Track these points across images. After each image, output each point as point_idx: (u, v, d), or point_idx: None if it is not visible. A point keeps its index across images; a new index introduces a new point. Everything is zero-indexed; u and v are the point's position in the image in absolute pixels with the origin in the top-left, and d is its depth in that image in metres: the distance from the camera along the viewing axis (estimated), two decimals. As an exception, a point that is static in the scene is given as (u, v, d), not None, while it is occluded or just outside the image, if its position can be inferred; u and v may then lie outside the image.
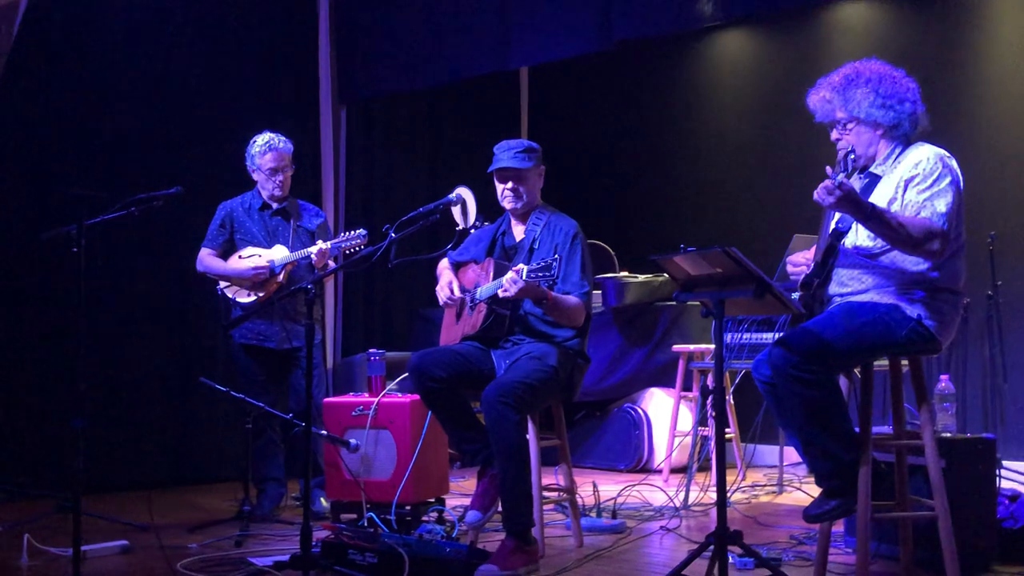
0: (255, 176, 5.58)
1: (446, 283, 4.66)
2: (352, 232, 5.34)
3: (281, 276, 5.40)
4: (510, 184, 4.57)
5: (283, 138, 5.57)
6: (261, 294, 5.40)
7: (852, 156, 3.68)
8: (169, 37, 6.82)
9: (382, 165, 8.04)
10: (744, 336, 5.56)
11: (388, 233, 4.45)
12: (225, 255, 5.53)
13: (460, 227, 4.83)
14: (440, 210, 4.62)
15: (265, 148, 5.51)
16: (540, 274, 4.07)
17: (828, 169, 3.51)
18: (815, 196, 3.48)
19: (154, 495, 5.27)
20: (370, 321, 7.92)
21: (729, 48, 7.92)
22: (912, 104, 3.73)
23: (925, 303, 3.59)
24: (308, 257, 5.34)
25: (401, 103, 8.09)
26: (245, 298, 5.43)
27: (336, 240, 5.35)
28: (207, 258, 5.54)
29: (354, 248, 5.28)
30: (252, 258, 5.43)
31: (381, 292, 7.97)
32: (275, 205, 5.58)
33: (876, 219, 3.48)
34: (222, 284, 5.51)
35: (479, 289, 4.49)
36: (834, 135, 3.81)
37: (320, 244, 5.31)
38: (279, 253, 5.43)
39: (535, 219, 4.57)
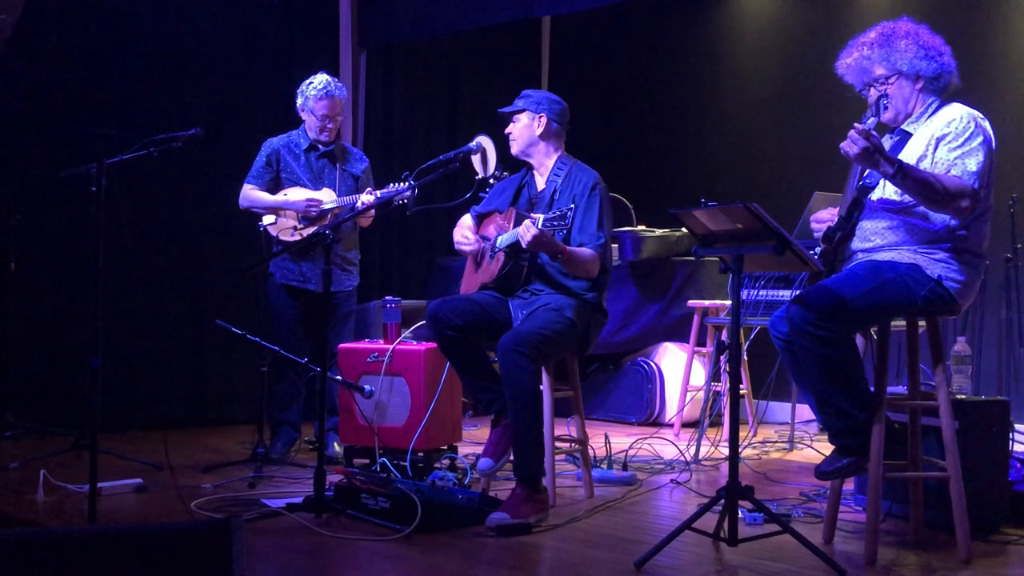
0: (304, 116, 5.55)
1: (460, 236, 4.66)
2: (399, 184, 5.23)
3: (328, 219, 5.39)
4: (507, 129, 4.60)
5: (339, 84, 5.55)
6: (306, 234, 5.38)
7: (885, 101, 3.65)
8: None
9: (401, 112, 8.01)
10: (760, 293, 5.56)
11: (408, 180, 4.45)
12: (269, 193, 5.52)
13: (480, 176, 4.82)
14: (460, 158, 4.61)
15: (322, 93, 5.46)
16: (555, 223, 4.07)
17: (856, 125, 3.46)
18: (842, 147, 3.45)
19: (170, 435, 5.32)
20: (386, 268, 7.92)
21: (753, 3, 7.83)
22: (949, 57, 3.73)
23: (947, 264, 3.58)
24: (353, 203, 5.32)
25: (421, 49, 8.03)
26: (290, 238, 5.42)
27: (385, 191, 5.27)
28: (252, 192, 5.51)
29: (400, 200, 5.17)
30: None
31: (398, 239, 7.97)
32: (322, 147, 5.56)
33: (903, 175, 3.45)
34: (265, 221, 5.49)
35: (499, 237, 4.49)
36: (873, 94, 3.75)
37: (369, 196, 5.26)
38: (327, 196, 5.42)
39: (556, 170, 4.56)
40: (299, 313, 5.56)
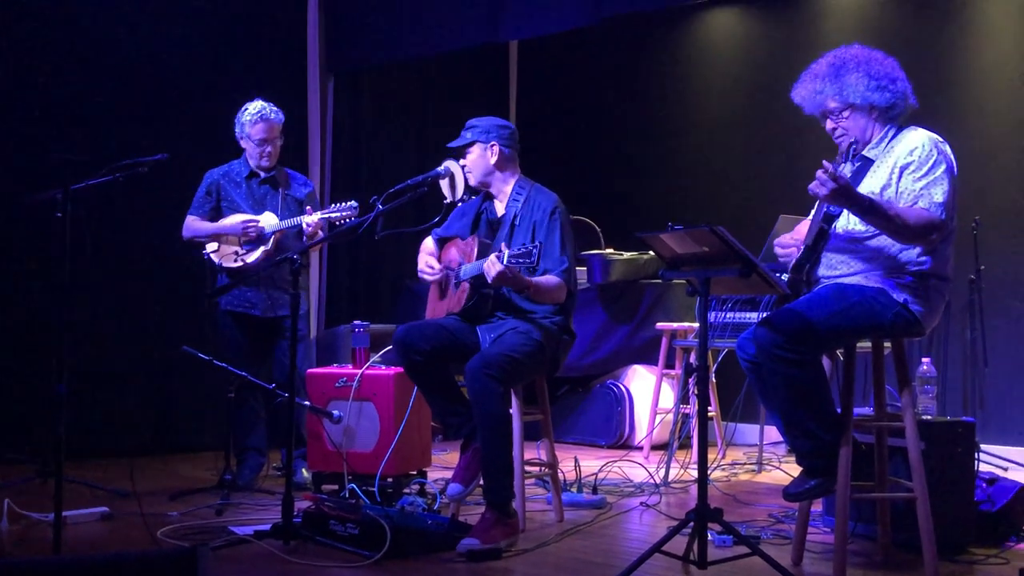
0: (243, 144, 5.53)
1: (424, 264, 4.65)
2: (342, 203, 5.30)
3: (270, 244, 5.38)
4: (461, 162, 4.61)
5: (275, 108, 5.52)
6: (249, 260, 5.37)
7: (854, 146, 3.69)
8: (157, 2, 6.76)
9: (369, 136, 8.01)
10: (727, 315, 5.58)
11: (376, 205, 4.44)
12: (210, 222, 5.50)
13: (448, 200, 4.82)
14: (428, 182, 4.60)
15: (256, 118, 5.45)
16: (520, 260, 4.05)
17: (825, 163, 3.48)
18: (811, 188, 3.47)
19: (135, 463, 5.26)
20: (354, 292, 7.91)
21: (718, 27, 7.91)
22: (903, 82, 3.74)
23: (912, 287, 3.61)
24: (298, 225, 5.32)
25: (390, 74, 8.05)
26: (232, 264, 5.40)
27: (325, 211, 5.31)
28: (193, 223, 5.50)
29: (344, 219, 5.24)
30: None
31: (366, 264, 7.95)
32: (263, 174, 5.54)
33: (873, 212, 3.49)
34: (208, 249, 5.47)
35: (463, 267, 4.48)
36: (829, 125, 3.79)
37: (316, 215, 5.27)
38: (269, 220, 5.41)
39: (516, 194, 4.55)
40: (246, 339, 5.53)
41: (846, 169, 3.69)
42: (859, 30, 6.86)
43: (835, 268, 3.71)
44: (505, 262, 4.07)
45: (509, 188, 4.57)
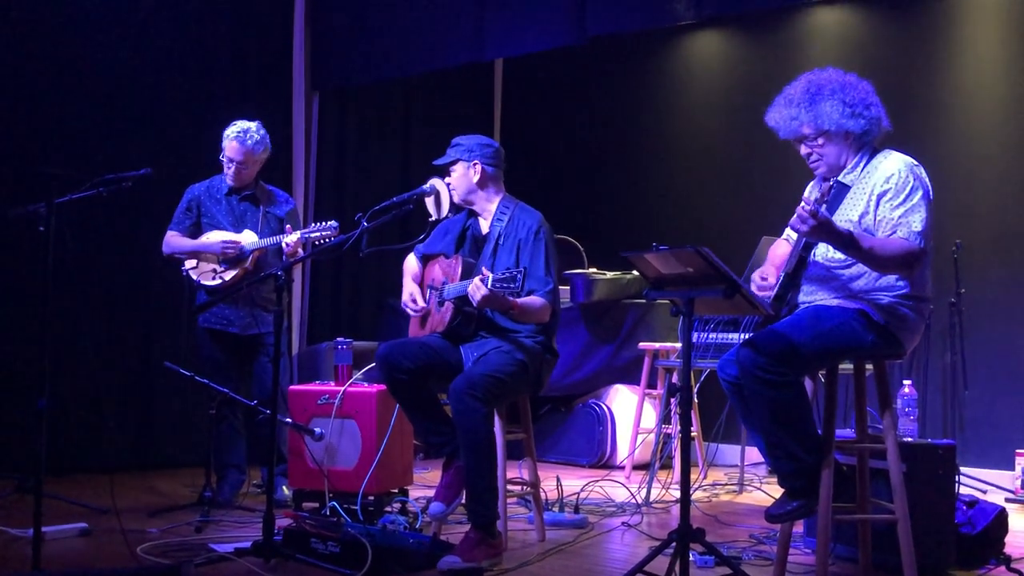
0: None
1: (408, 298, 4.65)
2: (323, 223, 5.28)
3: (249, 262, 5.37)
4: (446, 179, 4.62)
5: (256, 135, 5.46)
6: (227, 277, 5.36)
7: (834, 195, 3.72)
8: (143, 17, 6.76)
9: (354, 153, 8.00)
10: (710, 336, 5.59)
11: (360, 222, 4.44)
12: (190, 238, 5.48)
13: (433, 218, 4.83)
14: (414, 200, 4.61)
15: (232, 135, 5.43)
16: (505, 285, 4.05)
17: (806, 200, 3.50)
18: (791, 224, 3.50)
19: (115, 479, 5.23)
20: (337, 310, 7.89)
21: (703, 48, 7.95)
22: (877, 108, 3.75)
23: (892, 310, 3.63)
24: (277, 244, 5.31)
25: (375, 91, 8.05)
26: (210, 281, 5.39)
27: (305, 230, 5.30)
28: (173, 239, 5.49)
29: (324, 239, 5.22)
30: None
31: (350, 281, 7.94)
32: (244, 191, 5.53)
33: (853, 247, 3.51)
34: (187, 266, 5.46)
35: (447, 287, 4.48)
36: (803, 150, 3.81)
37: (295, 234, 5.26)
38: (248, 238, 5.40)
39: (500, 213, 4.55)
40: (224, 356, 5.52)
41: (825, 207, 3.71)
42: (843, 52, 6.91)
43: (814, 294, 3.73)
44: (489, 286, 4.07)
45: (493, 207, 4.58)
